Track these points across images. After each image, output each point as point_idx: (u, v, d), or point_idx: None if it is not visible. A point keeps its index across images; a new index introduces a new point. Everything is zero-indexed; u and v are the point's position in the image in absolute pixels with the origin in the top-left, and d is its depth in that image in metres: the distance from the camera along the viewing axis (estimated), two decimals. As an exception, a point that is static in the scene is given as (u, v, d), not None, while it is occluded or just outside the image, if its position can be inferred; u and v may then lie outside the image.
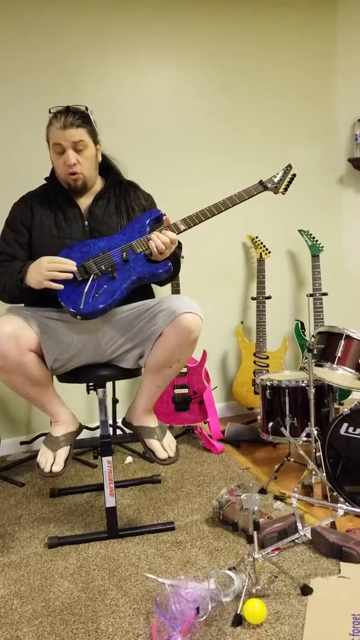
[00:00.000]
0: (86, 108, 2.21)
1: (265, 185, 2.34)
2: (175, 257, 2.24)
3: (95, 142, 2.23)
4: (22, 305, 2.24)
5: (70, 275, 2.04)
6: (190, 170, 3.60)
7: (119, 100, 3.42)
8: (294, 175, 2.41)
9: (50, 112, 2.18)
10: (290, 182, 2.40)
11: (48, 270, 2.02)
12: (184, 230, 2.17)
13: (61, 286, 2.04)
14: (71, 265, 2.05)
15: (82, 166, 2.18)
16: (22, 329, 2.00)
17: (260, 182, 2.34)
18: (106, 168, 2.33)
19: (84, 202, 2.26)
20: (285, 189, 2.40)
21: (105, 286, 2.08)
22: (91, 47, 3.33)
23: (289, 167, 2.42)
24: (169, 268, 2.13)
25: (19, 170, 3.20)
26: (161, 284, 2.36)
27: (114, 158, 2.37)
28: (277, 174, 2.39)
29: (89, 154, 2.20)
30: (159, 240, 2.09)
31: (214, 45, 3.61)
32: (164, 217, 2.20)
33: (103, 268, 2.09)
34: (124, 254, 2.11)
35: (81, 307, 2.04)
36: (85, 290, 2.07)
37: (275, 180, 2.37)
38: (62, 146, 2.15)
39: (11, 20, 3.16)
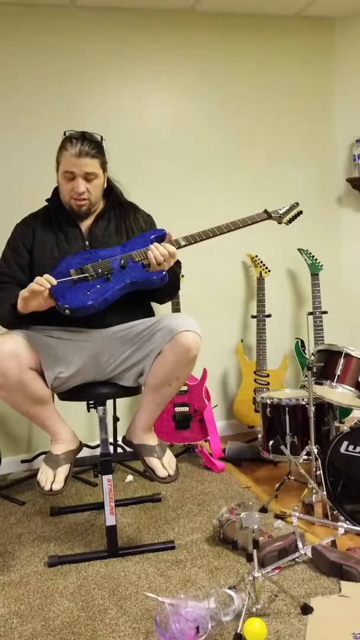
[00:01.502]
0: (101, 138, 2.24)
1: (270, 215, 2.38)
2: (174, 275, 2.25)
3: (105, 170, 2.27)
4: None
5: (46, 288, 1.99)
6: (189, 190, 3.63)
7: (118, 120, 3.46)
8: (300, 212, 2.46)
9: (65, 134, 2.20)
10: (295, 216, 2.45)
11: (25, 291, 2.02)
12: (184, 245, 2.19)
13: (55, 299, 2.03)
14: (50, 281, 2.01)
15: (90, 194, 2.22)
16: (22, 347, 2.02)
17: (265, 211, 2.38)
18: (107, 188, 2.36)
19: (85, 223, 2.29)
20: (290, 221, 2.46)
21: (98, 286, 2.09)
22: (91, 67, 3.39)
23: (296, 204, 2.47)
24: (163, 276, 2.12)
25: (19, 189, 3.24)
26: (161, 301, 2.38)
27: (115, 180, 2.39)
28: (284, 207, 2.44)
29: (97, 183, 2.23)
30: (157, 251, 2.10)
31: (212, 68, 3.66)
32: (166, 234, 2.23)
33: (100, 271, 2.11)
34: (122, 261, 2.13)
35: (70, 301, 2.04)
36: (78, 287, 2.08)
37: (281, 212, 2.42)
38: (73, 174, 2.17)
39: (12, 43, 3.22)
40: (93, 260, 2.14)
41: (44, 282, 1.99)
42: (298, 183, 3.90)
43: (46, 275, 2.02)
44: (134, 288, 2.14)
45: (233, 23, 3.67)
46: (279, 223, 2.44)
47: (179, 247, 2.18)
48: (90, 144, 2.17)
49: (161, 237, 2.23)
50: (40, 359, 2.06)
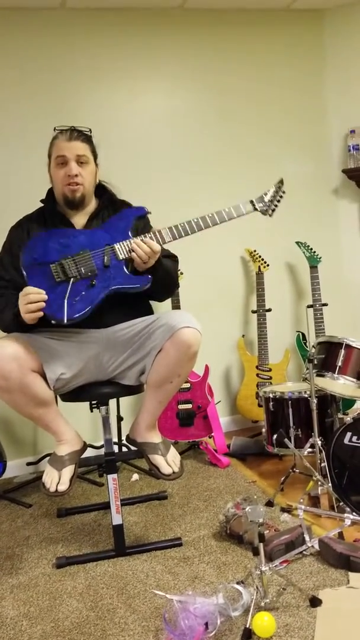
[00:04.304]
0: (89, 130, 2.29)
1: (255, 207, 2.29)
2: (171, 270, 2.25)
3: (96, 161, 2.30)
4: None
5: (43, 305, 2.00)
6: (183, 187, 3.63)
7: (110, 119, 3.46)
8: (284, 192, 2.37)
9: (55, 129, 2.25)
10: (279, 201, 2.35)
11: (24, 312, 2.02)
12: (169, 241, 2.15)
13: (41, 304, 2.01)
14: (42, 296, 2.00)
15: (83, 178, 2.23)
16: (23, 350, 2.02)
17: (251, 202, 2.29)
18: (100, 189, 2.36)
19: (79, 222, 2.29)
20: (273, 210, 2.35)
21: (83, 293, 2.07)
22: (82, 68, 3.39)
23: (281, 183, 2.38)
24: (148, 282, 2.12)
25: (11, 192, 3.24)
26: (160, 299, 2.38)
27: (108, 182, 2.41)
28: (269, 191, 2.34)
29: (90, 169, 2.26)
30: (141, 250, 2.08)
31: (203, 64, 3.65)
32: (148, 214, 2.21)
33: (82, 271, 2.08)
34: (106, 257, 2.09)
35: (58, 314, 2.03)
36: (65, 295, 2.06)
37: (266, 199, 2.31)
38: (65, 158, 2.20)
39: (2, 46, 3.22)
40: (73, 252, 2.09)
41: (39, 302, 2.00)
42: (294, 176, 3.89)
43: (31, 289, 2.01)
44: (117, 294, 2.13)
45: (223, 19, 3.67)
46: (264, 215, 2.33)
47: (164, 243, 2.15)
48: (80, 132, 2.25)
49: (141, 216, 2.20)
50: (41, 360, 2.07)
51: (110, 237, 2.14)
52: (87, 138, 2.26)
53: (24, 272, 2.09)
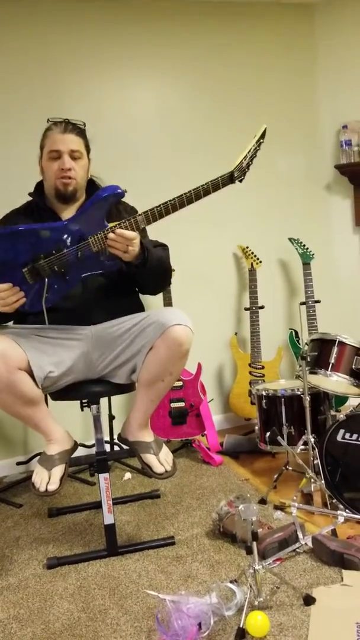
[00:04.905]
0: (84, 124, 2.27)
1: (233, 179, 2.08)
2: (161, 261, 2.21)
3: (88, 155, 2.28)
4: (11, 323, 2.23)
5: (23, 301, 2.03)
6: (173, 177, 3.59)
7: (101, 109, 3.43)
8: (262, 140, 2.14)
9: (48, 121, 2.23)
10: (253, 159, 2.11)
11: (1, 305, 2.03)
12: (144, 227, 2.03)
13: (22, 300, 2.04)
14: (18, 294, 2.03)
15: (76, 172, 2.20)
16: (10, 348, 1.99)
17: (230, 175, 2.08)
18: (90, 184, 2.34)
19: (67, 217, 2.25)
20: (245, 173, 2.11)
21: (55, 286, 2.06)
22: (72, 57, 3.35)
23: (263, 136, 2.16)
24: (116, 265, 2.08)
25: (3, 185, 3.21)
26: (155, 291, 2.36)
27: (98, 177, 2.38)
28: (248, 152, 2.12)
29: (82, 164, 2.24)
30: (117, 243, 1.99)
31: (195, 56, 3.63)
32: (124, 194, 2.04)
33: (56, 269, 2.04)
34: (79, 253, 2.03)
35: (28, 307, 2.04)
36: (36, 290, 2.05)
37: (244, 163, 2.10)
38: (59, 152, 2.17)
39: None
40: (45, 250, 2.02)
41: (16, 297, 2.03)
42: (286, 171, 3.88)
43: (2, 287, 2.01)
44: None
45: (213, 11, 3.64)
46: (240, 182, 2.10)
47: (139, 229, 2.02)
48: (74, 126, 2.22)
49: (118, 195, 2.01)
50: (28, 359, 2.03)
51: (85, 230, 2.02)
52: (81, 132, 2.24)
53: None
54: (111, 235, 1.98)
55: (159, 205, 2.00)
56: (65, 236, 2.02)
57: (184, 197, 2.01)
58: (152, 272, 2.15)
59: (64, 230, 2.03)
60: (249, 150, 2.11)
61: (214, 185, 2.04)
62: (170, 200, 2.00)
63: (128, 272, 2.14)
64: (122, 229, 1.98)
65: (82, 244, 2.02)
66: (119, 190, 2.00)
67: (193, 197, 2.02)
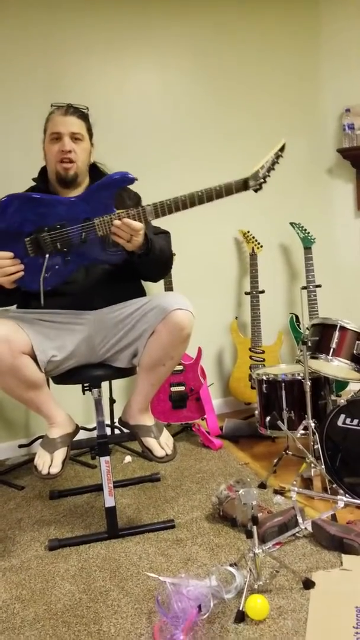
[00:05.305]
0: (87, 108, 2.25)
1: (248, 186, 2.03)
2: (163, 251, 2.20)
3: (91, 140, 2.26)
4: (14, 307, 2.23)
5: (21, 274, 2.00)
6: (173, 161, 3.57)
7: (101, 92, 3.40)
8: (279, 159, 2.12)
9: (52, 105, 2.21)
10: (270, 170, 2.07)
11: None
12: (152, 220, 2.00)
13: (21, 274, 2.00)
14: (18, 267, 2.00)
15: (77, 155, 2.18)
16: (14, 332, 1.99)
17: (244, 181, 2.02)
18: (94, 170, 2.32)
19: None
20: (263, 183, 2.07)
21: (56, 267, 2.03)
22: (73, 41, 3.32)
23: (282, 149, 2.11)
24: (122, 258, 2.07)
25: (8, 171, 3.19)
26: (155, 279, 2.35)
27: (102, 164, 2.36)
28: (265, 163, 2.05)
29: (84, 147, 2.21)
30: (122, 231, 1.96)
31: (197, 43, 3.59)
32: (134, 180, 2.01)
33: (58, 246, 2.01)
34: (84, 234, 2.00)
35: (27, 283, 2.02)
36: (36, 267, 2.01)
37: (261, 173, 2.04)
38: (59, 134, 2.15)
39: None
40: (49, 224, 2.00)
41: (17, 272, 2.00)
42: (288, 155, 3.80)
43: (4, 254, 1.99)
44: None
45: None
46: (256, 192, 2.06)
47: (146, 221, 2.00)
48: (77, 109, 2.20)
49: (128, 180, 1.99)
50: (32, 343, 2.04)
51: (91, 210, 2.00)
52: (83, 115, 2.22)
53: None
54: (117, 222, 1.96)
55: (169, 200, 1.98)
56: (71, 213, 2.00)
57: (195, 195, 1.98)
58: (154, 262, 2.14)
59: (72, 205, 2.01)
60: (267, 161, 2.06)
61: (227, 189, 2.00)
62: (181, 197, 1.98)
63: (130, 260, 2.13)
64: (130, 218, 1.97)
65: (88, 224, 1.99)
66: (130, 176, 1.98)
67: (205, 197, 1.99)
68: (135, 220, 1.97)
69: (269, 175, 2.06)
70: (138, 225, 1.97)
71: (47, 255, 2.01)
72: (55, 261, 2.03)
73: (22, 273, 2.01)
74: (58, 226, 2.01)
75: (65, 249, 2.01)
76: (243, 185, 2.01)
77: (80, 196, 2.03)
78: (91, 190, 2.03)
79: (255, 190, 2.06)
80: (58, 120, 2.17)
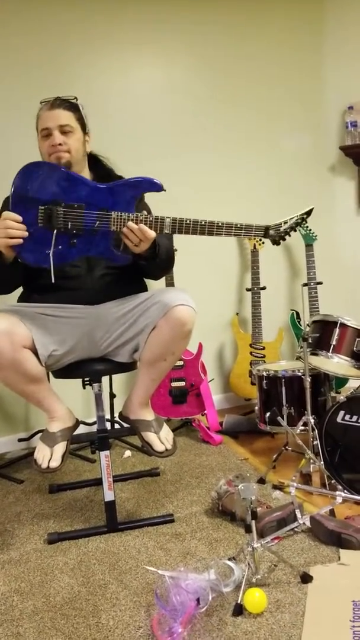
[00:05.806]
0: (75, 98, 2.22)
1: (267, 234, 2.09)
2: (168, 253, 2.21)
3: (84, 130, 2.22)
4: (15, 301, 2.24)
5: (20, 241, 1.94)
6: (175, 159, 3.57)
7: (103, 89, 3.39)
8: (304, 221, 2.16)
9: (40, 102, 2.19)
10: (294, 230, 2.13)
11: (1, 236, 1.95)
12: (167, 233, 2.02)
13: (20, 241, 1.95)
14: (22, 231, 1.95)
15: (69, 146, 2.15)
16: (15, 326, 1.99)
17: (266, 229, 2.09)
18: (95, 163, 2.31)
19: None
20: (283, 239, 2.13)
21: (60, 247, 1.99)
22: (75, 36, 3.31)
23: (308, 214, 2.15)
24: (127, 261, 2.07)
25: (8, 167, 3.18)
26: (156, 277, 2.36)
27: (105, 158, 2.35)
28: (289, 220, 2.11)
29: (76, 137, 2.17)
30: (134, 234, 1.97)
31: (200, 40, 3.59)
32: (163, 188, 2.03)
33: (69, 226, 1.98)
34: (98, 222, 1.99)
35: (28, 257, 1.99)
36: (40, 240, 1.98)
37: (282, 228, 2.09)
38: (49, 129, 2.14)
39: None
40: (68, 201, 1.99)
41: (22, 234, 1.95)
42: (290, 152, 3.85)
43: (14, 217, 1.95)
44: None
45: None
46: (273, 244, 2.14)
47: (162, 233, 2.02)
48: (64, 101, 2.17)
49: (155, 185, 2.01)
50: (33, 337, 2.04)
51: (112, 202, 2.00)
52: (71, 105, 2.18)
53: (11, 197, 1.99)
54: (131, 224, 1.96)
55: (189, 220, 2.00)
56: (92, 197, 1.99)
57: (214, 225, 2.02)
58: (155, 266, 2.16)
59: (95, 190, 2.00)
60: (291, 219, 2.11)
61: (247, 230, 2.05)
62: (201, 221, 2.00)
63: (135, 260, 2.13)
64: (147, 224, 1.98)
65: (104, 214, 1.98)
66: (159, 184, 2.00)
67: (224, 230, 2.03)
68: (150, 228, 1.98)
69: (289, 234, 2.11)
70: (151, 234, 1.98)
71: (54, 232, 1.98)
72: (60, 241, 2.00)
73: (21, 240, 1.94)
74: (75, 206, 1.99)
75: (74, 231, 1.99)
76: (263, 232, 2.07)
77: (107, 185, 2.02)
78: (119, 184, 2.03)
79: (273, 242, 2.11)
80: (45, 115, 2.15)
